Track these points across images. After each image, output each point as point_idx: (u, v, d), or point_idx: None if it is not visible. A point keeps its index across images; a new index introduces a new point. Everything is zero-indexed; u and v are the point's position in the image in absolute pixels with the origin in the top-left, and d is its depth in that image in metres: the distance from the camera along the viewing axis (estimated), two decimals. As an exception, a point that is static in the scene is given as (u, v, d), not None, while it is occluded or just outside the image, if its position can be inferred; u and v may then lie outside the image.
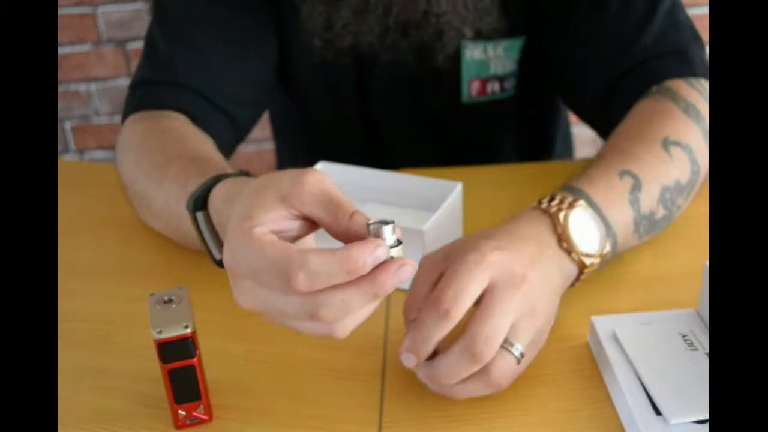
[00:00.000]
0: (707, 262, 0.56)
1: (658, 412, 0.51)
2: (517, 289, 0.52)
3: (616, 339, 0.57)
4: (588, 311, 0.60)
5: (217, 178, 0.57)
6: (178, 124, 0.75)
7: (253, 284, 0.45)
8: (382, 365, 0.59)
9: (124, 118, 0.79)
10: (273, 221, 0.45)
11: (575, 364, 0.58)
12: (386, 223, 0.44)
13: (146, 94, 0.79)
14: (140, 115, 0.77)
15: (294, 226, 0.46)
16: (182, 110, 0.77)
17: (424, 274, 0.56)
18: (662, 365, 0.54)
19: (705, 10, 1.28)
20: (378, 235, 0.44)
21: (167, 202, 0.65)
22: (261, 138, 1.97)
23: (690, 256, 0.68)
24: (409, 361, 0.52)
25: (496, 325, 0.50)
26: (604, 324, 0.58)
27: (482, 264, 0.51)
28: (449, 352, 0.51)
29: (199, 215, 0.56)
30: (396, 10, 0.78)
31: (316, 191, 0.45)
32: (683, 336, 0.57)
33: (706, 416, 0.50)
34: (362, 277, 0.43)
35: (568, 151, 1.09)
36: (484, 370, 0.51)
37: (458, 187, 0.69)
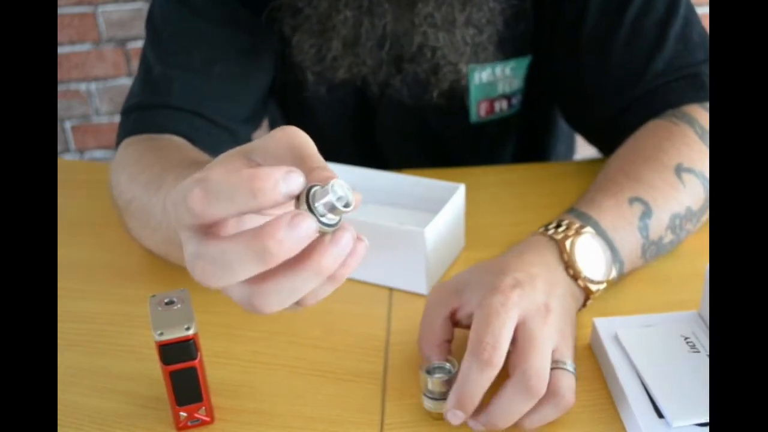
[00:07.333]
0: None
1: (660, 415, 0.51)
2: (546, 318, 0.52)
3: (618, 341, 0.57)
4: (590, 313, 0.60)
5: None
6: (178, 142, 0.72)
7: (185, 234, 0.40)
8: (383, 367, 0.59)
9: (118, 143, 0.75)
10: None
11: (577, 366, 0.57)
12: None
13: (142, 117, 0.75)
14: (136, 138, 0.73)
15: None
16: (182, 134, 0.74)
17: (433, 308, 0.56)
18: (664, 367, 0.54)
19: (705, 10, 1.28)
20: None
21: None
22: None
23: (692, 257, 0.67)
24: (457, 418, 0.51)
25: (542, 357, 0.50)
26: (606, 326, 0.58)
27: (507, 305, 0.52)
28: (502, 395, 0.50)
29: None
30: (389, 43, 0.75)
31: (283, 144, 0.41)
32: (685, 338, 0.56)
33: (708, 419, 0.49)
34: (247, 231, 0.37)
35: (567, 150, 1.09)
36: (552, 395, 0.51)
37: (461, 189, 0.69)
